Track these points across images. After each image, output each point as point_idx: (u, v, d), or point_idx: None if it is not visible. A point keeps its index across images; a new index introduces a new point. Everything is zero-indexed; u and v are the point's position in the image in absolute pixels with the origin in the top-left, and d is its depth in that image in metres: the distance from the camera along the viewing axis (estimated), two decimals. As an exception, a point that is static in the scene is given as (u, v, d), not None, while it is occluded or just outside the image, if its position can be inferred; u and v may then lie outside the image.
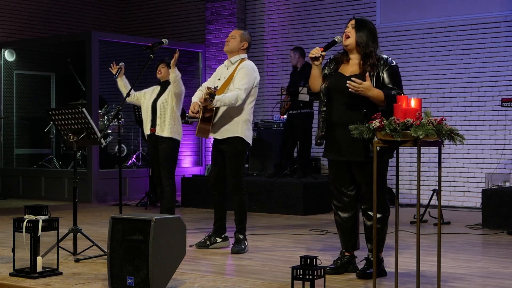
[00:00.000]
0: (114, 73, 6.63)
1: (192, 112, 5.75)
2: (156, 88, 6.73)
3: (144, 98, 6.74)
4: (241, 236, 5.83)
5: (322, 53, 4.69)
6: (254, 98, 5.84)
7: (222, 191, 5.93)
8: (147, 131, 6.60)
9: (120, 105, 5.90)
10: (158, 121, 6.50)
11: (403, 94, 4.56)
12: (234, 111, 5.73)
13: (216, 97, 5.49)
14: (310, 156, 9.70)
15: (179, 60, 6.31)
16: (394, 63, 4.72)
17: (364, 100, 4.57)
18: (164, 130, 6.49)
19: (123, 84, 6.75)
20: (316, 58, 4.69)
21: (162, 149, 6.53)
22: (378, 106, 4.51)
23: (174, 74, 6.36)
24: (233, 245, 5.81)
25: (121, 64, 6.68)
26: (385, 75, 4.63)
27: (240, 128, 5.76)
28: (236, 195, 5.82)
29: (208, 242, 5.93)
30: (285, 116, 9.63)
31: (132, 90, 6.63)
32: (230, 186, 5.84)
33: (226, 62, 5.94)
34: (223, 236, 5.98)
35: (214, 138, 5.90)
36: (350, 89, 4.46)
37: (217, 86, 5.59)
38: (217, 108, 5.70)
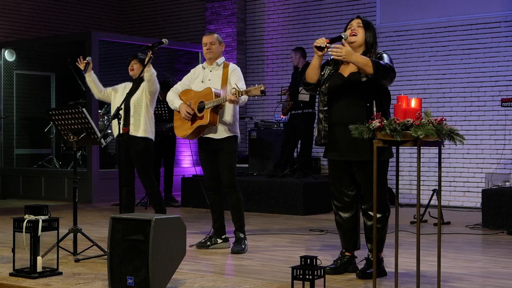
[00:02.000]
0: (82, 68, 6.37)
1: (187, 115, 5.72)
2: (128, 85, 6.49)
3: (115, 95, 6.49)
4: (241, 235, 5.83)
5: (327, 45, 4.68)
6: None
7: (218, 190, 5.94)
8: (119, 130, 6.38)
9: (120, 105, 5.88)
10: (131, 120, 6.27)
11: (395, 69, 4.58)
12: (233, 111, 5.78)
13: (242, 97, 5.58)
14: (311, 156, 9.70)
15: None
16: (386, 53, 4.73)
17: (365, 98, 4.59)
18: (139, 129, 6.26)
19: (91, 80, 6.49)
20: (320, 48, 4.67)
21: (137, 150, 6.29)
22: (366, 74, 4.51)
23: (149, 73, 6.15)
24: (234, 244, 5.82)
25: (89, 58, 6.40)
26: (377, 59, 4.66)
27: (234, 126, 5.84)
28: (232, 194, 5.84)
29: (208, 243, 5.94)
30: (285, 116, 9.64)
31: (102, 86, 6.53)
32: (224, 184, 5.84)
33: (206, 65, 5.93)
34: (223, 237, 5.98)
35: (206, 138, 5.84)
36: (333, 57, 4.51)
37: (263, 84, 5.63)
38: (223, 108, 5.75)
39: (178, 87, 6.01)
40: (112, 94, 6.53)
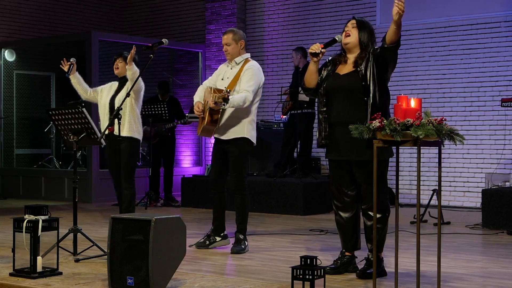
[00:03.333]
0: (66, 70, 6.27)
1: (197, 112, 5.70)
2: (114, 85, 6.45)
3: (101, 94, 6.44)
4: (241, 236, 5.83)
5: (322, 50, 4.69)
6: (259, 98, 5.85)
7: (222, 191, 5.93)
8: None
9: (120, 104, 5.88)
10: (116, 120, 6.17)
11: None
12: (240, 112, 5.71)
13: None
14: (310, 156, 9.70)
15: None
16: None
17: (363, 96, 4.60)
18: (124, 129, 6.18)
19: (77, 82, 6.43)
20: (316, 54, 4.69)
21: (123, 150, 6.24)
22: (391, 40, 4.48)
23: (131, 71, 6.08)
24: (233, 245, 5.81)
25: (72, 59, 6.31)
26: (377, 49, 4.66)
27: (246, 128, 5.76)
28: (239, 195, 5.82)
29: (207, 242, 5.93)
30: (285, 116, 9.64)
31: (87, 86, 6.48)
32: (232, 186, 5.82)
33: (228, 61, 5.92)
34: (222, 234, 5.98)
35: (217, 139, 5.87)
36: (400, 8, 4.31)
37: (229, 90, 5.50)
38: (224, 110, 5.68)
39: (206, 83, 5.97)
40: (99, 94, 6.48)
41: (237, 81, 5.72)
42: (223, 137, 5.78)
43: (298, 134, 9.09)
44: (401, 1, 4.31)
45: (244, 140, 5.77)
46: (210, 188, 5.99)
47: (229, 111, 5.70)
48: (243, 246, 5.77)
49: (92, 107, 10.20)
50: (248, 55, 5.91)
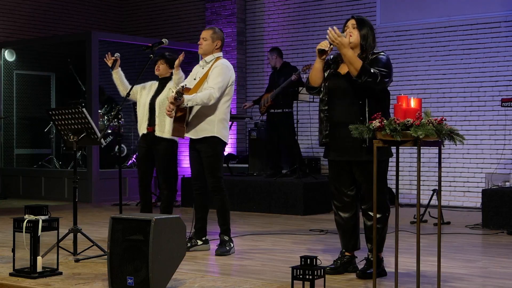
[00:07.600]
0: (110, 65, 6.35)
1: (168, 111, 5.62)
2: (154, 85, 6.46)
3: (141, 93, 6.44)
4: (226, 238, 5.75)
5: (330, 46, 4.68)
6: (230, 97, 5.75)
7: (203, 191, 5.87)
8: (143, 129, 6.30)
9: (120, 105, 5.87)
10: (157, 121, 6.21)
11: (385, 78, 4.54)
12: (209, 110, 5.63)
13: (187, 96, 5.42)
14: (301, 155, 9.64)
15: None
16: (384, 54, 4.70)
17: (360, 97, 4.60)
18: (165, 130, 6.18)
19: (118, 77, 6.45)
20: (324, 52, 4.68)
21: (161, 150, 6.23)
22: (352, 74, 4.53)
23: (178, 76, 6.10)
24: (218, 246, 5.73)
25: (117, 55, 6.37)
26: (371, 62, 4.63)
27: (216, 127, 5.67)
28: (217, 196, 5.75)
29: (188, 244, 5.81)
30: (263, 116, 9.74)
31: (128, 84, 6.48)
32: (209, 187, 5.76)
33: (201, 62, 5.89)
34: (203, 239, 5.91)
35: (190, 138, 5.80)
36: (327, 37, 4.51)
37: (185, 85, 5.50)
38: (191, 107, 5.62)
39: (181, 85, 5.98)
40: (138, 93, 6.47)
41: (205, 79, 5.67)
42: (194, 136, 5.71)
43: (281, 135, 9.14)
44: (331, 33, 4.50)
45: (215, 139, 5.68)
46: (193, 189, 5.91)
47: (196, 109, 5.62)
48: (227, 248, 5.69)
49: (92, 107, 10.24)
50: (220, 54, 5.85)
